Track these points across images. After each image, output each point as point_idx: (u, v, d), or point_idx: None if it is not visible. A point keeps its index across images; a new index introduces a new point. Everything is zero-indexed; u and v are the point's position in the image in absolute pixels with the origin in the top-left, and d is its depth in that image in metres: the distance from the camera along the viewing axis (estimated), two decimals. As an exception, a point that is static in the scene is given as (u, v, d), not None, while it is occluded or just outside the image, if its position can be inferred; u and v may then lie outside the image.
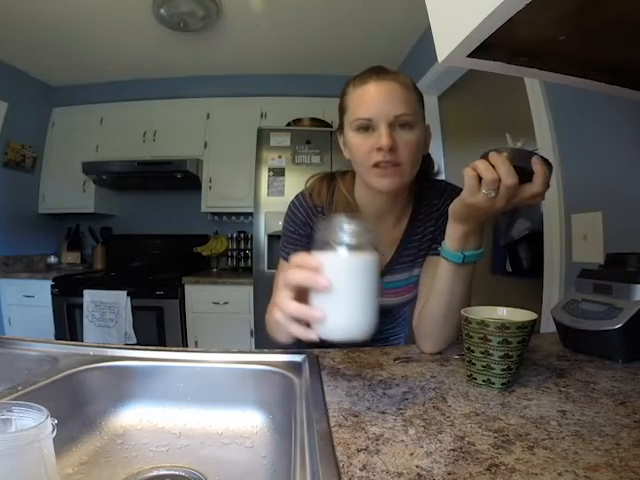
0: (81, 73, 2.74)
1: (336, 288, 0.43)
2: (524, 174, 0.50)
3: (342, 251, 0.44)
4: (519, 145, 0.52)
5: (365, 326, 0.44)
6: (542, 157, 0.50)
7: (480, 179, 0.52)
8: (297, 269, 0.45)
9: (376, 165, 0.65)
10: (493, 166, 0.50)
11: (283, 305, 0.46)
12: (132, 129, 2.76)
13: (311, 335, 0.44)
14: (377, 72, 0.67)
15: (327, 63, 2.63)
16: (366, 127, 0.66)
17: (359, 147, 0.67)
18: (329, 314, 0.43)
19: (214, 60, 2.62)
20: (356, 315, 0.44)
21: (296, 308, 0.45)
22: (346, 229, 0.44)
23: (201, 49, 2.46)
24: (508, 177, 0.49)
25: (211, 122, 2.76)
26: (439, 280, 0.64)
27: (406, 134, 0.65)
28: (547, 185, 0.50)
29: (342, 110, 0.72)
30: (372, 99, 0.65)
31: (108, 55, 2.50)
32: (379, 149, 0.64)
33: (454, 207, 0.58)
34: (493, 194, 0.51)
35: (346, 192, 0.77)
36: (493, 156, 0.50)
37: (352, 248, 0.44)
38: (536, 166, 0.49)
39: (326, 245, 0.44)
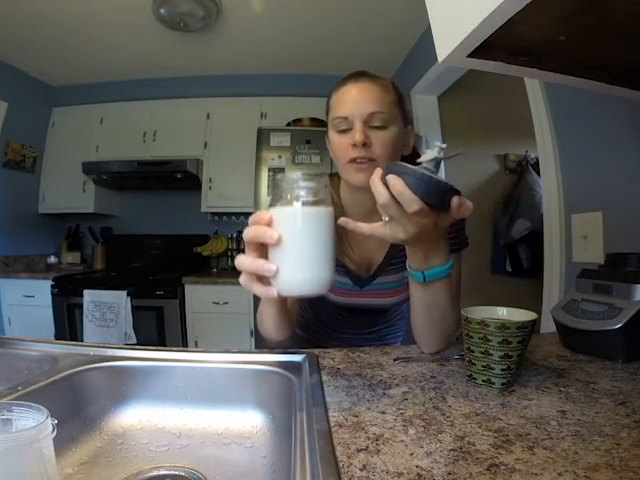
0: (81, 73, 2.74)
1: (288, 241, 0.43)
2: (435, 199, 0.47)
3: (294, 205, 0.44)
4: (443, 147, 0.47)
5: (320, 280, 0.44)
6: (405, 172, 0.46)
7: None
8: (251, 226, 0.46)
9: (352, 161, 0.68)
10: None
11: (239, 263, 0.47)
12: (132, 129, 2.76)
13: (270, 292, 0.45)
14: (356, 76, 0.70)
15: (327, 63, 2.63)
16: (344, 125, 0.68)
17: (338, 145, 0.70)
18: (283, 268, 0.44)
19: (214, 60, 2.62)
20: (309, 268, 0.44)
21: (250, 263, 0.46)
22: (301, 185, 0.44)
23: (201, 49, 2.46)
24: (378, 198, 0.48)
25: (211, 122, 2.75)
26: (411, 294, 0.64)
27: (381, 132, 0.67)
28: (414, 204, 0.46)
29: (327, 113, 0.75)
30: (349, 98, 0.68)
31: (108, 55, 2.50)
32: (354, 145, 0.66)
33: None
34: (387, 218, 0.50)
35: (333, 193, 0.79)
36: (371, 179, 0.49)
37: (306, 204, 0.44)
38: (390, 188, 0.46)
39: (282, 201, 0.45)
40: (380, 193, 0.48)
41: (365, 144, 0.66)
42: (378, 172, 0.50)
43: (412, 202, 0.46)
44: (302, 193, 0.44)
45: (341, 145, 0.69)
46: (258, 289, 0.47)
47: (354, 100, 0.68)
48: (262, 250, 0.46)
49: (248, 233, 0.46)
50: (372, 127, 0.67)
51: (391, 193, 0.47)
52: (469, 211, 0.48)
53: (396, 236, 0.51)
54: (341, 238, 0.78)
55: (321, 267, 0.44)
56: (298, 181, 0.44)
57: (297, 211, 0.44)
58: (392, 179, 0.46)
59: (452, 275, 0.60)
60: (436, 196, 0.47)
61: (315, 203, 0.44)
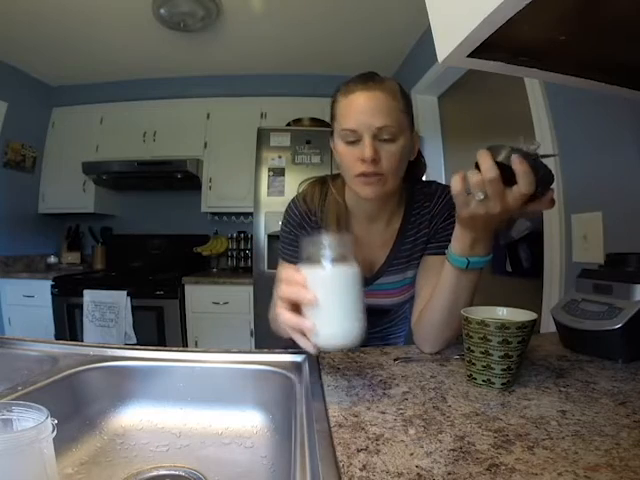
0: (81, 73, 2.74)
1: (322, 300, 0.47)
2: (510, 173, 0.48)
3: (325, 266, 0.48)
4: (532, 148, 0.48)
5: (354, 334, 0.48)
6: (527, 155, 0.47)
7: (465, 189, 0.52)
8: (287, 284, 0.49)
9: (360, 174, 0.67)
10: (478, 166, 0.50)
11: (280, 317, 0.50)
12: (132, 129, 2.76)
13: (307, 345, 0.49)
14: (365, 81, 0.67)
15: (327, 63, 2.63)
16: (352, 137, 0.67)
17: (345, 156, 0.69)
18: (319, 324, 0.47)
19: (214, 60, 2.62)
20: (344, 324, 0.48)
21: (290, 319, 0.49)
22: (327, 244, 0.48)
23: (201, 49, 2.46)
24: (487, 171, 0.48)
25: (211, 122, 2.75)
26: (442, 283, 0.64)
27: (389, 145, 0.66)
28: (532, 186, 0.47)
29: (332, 116, 0.73)
30: (357, 110, 0.66)
31: (108, 55, 2.50)
32: (363, 160, 0.65)
33: (458, 217, 0.58)
34: (482, 196, 0.50)
35: (337, 196, 0.79)
36: (480, 151, 0.50)
37: (334, 261, 0.48)
38: (515, 165, 0.47)
39: (311, 259, 0.49)
40: (491, 168, 0.48)
41: (374, 160, 0.65)
42: (486, 152, 0.49)
43: (530, 185, 0.47)
44: (330, 253, 0.48)
45: (349, 157, 0.68)
46: (298, 339, 0.50)
47: (363, 112, 0.65)
48: (296, 304, 0.50)
49: (285, 292, 0.49)
50: (381, 140, 0.65)
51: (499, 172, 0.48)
52: (552, 207, 0.52)
53: (476, 211, 0.52)
54: None
55: (353, 320, 0.48)
56: (326, 242, 0.49)
57: (329, 274, 0.48)
58: (519, 159, 0.47)
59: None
60: (544, 186, 0.49)
61: (342, 260, 0.49)
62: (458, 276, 0.62)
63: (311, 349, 0.49)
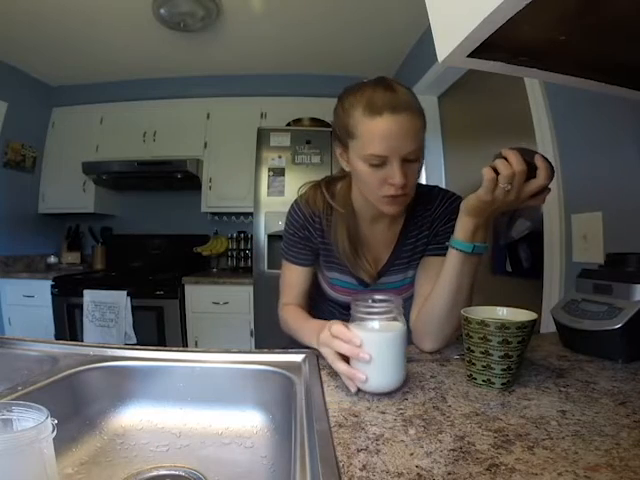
0: (81, 73, 2.74)
1: (374, 357, 0.53)
2: (530, 169, 0.56)
3: (377, 329, 0.55)
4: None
5: (397, 381, 0.54)
6: (544, 157, 0.57)
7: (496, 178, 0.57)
8: (342, 342, 0.55)
9: (387, 196, 0.67)
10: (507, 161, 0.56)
11: (334, 366, 0.56)
12: (132, 129, 2.76)
13: (352, 388, 0.54)
14: (388, 98, 0.63)
15: (327, 63, 2.63)
16: (377, 161, 0.65)
17: (370, 177, 0.67)
18: (370, 375, 0.53)
19: (214, 60, 2.62)
20: (390, 375, 0.54)
21: (344, 370, 0.55)
22: (377, 307, 0.55)
23: (201, 49, 2.45)
24: (518, 164, 0.55)
25: (211, 122, 2.75)
26: (446, 271, 0.66)
27: (414, 165, 0.67)
28: (549, 179, 0.56)
29: (348, 132, 0.67)
30: (386, 137, 0.62)
31: (108, 55, 2.50)
32: (390, 184, 0.65)
33: (468, 202, 0.62)
34: (509, 187, 0.56)
35: (341, 205, 0.78)
36: (505, 150, 0.57)
37: (383, 321, 0.55)
38: (539, 162, 0.56)
39: (362, 319, 0.55)
40: (520, 162, 0.56)
41: (404, 184, 0.65)
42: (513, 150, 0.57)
43: (549, 178, 0.56)
44: (382, 317, 0.55)
45: (374, 179, 0.67)
46: (348, 383, 0.55)
47: (393, 138, 0.62)
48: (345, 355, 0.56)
49: (341, 348, 0.55)
50: (407, 161, 0.65)
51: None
52: (543, 203, 0.62)
53: (497, 196, 0.58)
54: (357, 251, 0.78)
55: (399, 371, 0.54)
56: (376, 303, 0.56)
57: (380, 337, 0.54)
58: (542, 157, 0.57)
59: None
60: (550, 181, 0.58)
61: (392, 319, 0.55)
62: (462, 261, 0.64)
63: (354, 390, 0.54)
